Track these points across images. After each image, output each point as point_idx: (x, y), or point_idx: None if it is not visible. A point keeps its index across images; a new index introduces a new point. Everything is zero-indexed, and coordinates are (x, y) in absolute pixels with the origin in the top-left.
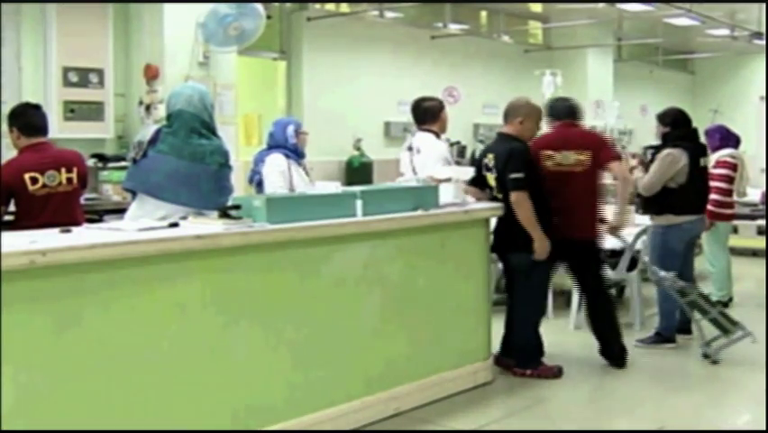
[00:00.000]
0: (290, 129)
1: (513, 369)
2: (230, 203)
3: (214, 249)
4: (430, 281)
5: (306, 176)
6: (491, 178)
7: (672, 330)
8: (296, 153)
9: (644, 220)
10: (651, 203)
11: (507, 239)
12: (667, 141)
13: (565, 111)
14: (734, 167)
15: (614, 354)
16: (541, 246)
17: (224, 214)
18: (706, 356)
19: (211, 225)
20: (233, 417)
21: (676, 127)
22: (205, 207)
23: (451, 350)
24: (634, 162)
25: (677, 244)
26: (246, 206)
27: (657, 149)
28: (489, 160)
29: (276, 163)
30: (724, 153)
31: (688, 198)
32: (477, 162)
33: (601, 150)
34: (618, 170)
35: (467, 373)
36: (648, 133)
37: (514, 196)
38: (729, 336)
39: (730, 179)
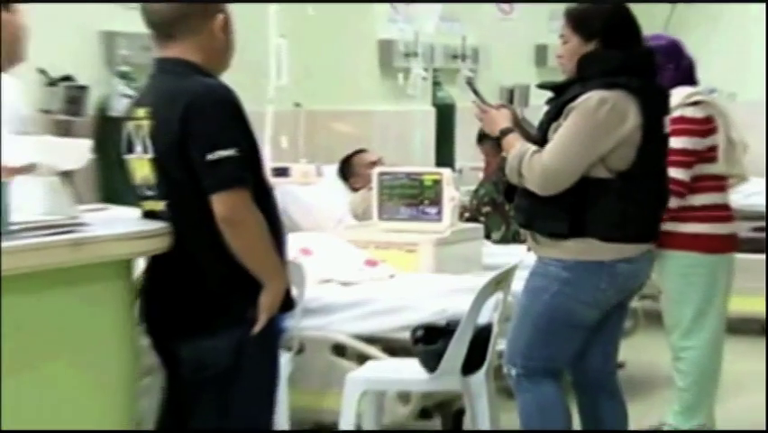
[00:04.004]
0: None
1: None
2: None
3: None
4: None
5: None
6: (142, 164)
7: None
8: None
9: (508, 255)
10: (550, 212)
11: (181, 307)
12: (591, 73)
13: None
14: (705, 131)
15: None
16: (277, 292)
17: None
18: None
19: None
20: None
21: (612, 42)
22: None
23: None
24: (503, 120)
25: (588, 310)
26: None
27: (559, 91)
28: (142, 124)
29: None
30: (672, 103)
31: (635, 204)
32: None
33: None
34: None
35: None
36: (517, 57)
37: (224, 204)
38: None
39: (703, 157)
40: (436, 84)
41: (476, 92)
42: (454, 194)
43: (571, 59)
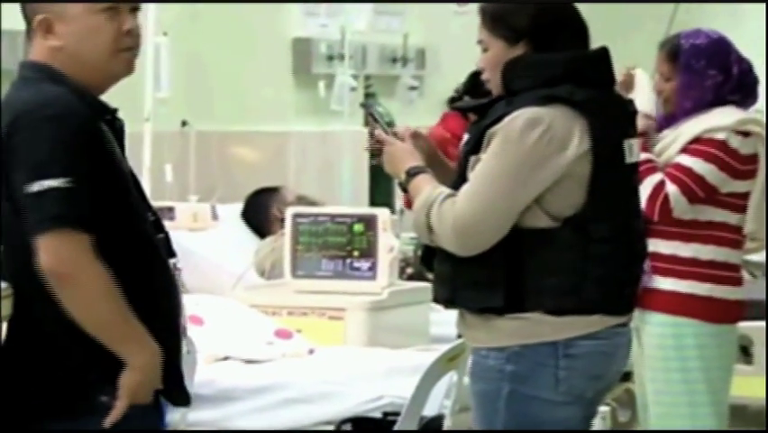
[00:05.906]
0: None
1: None
2: None
3: None
4: None
5: None
6: None
7: None
8: None
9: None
10: (477, 280)
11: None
12: (520, 86)
13: None
14: (742, 172)
15: None
16: (144, 370)
17: None
18: None
19: None
20: None
21: (545, 44)
22: None
23: None
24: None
25: (562, 409)
26: None
27: (484, 111)
28: None
29: None
30: (721, 123)
31: (592, 260)
32: None
33: None
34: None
35: None
36: (475, 62)
37: (46, 250)
38: None
39: (719, 201)
40: (369, 96)
41: (375, 119)
42: (394, 243)
43: (495, 70)
